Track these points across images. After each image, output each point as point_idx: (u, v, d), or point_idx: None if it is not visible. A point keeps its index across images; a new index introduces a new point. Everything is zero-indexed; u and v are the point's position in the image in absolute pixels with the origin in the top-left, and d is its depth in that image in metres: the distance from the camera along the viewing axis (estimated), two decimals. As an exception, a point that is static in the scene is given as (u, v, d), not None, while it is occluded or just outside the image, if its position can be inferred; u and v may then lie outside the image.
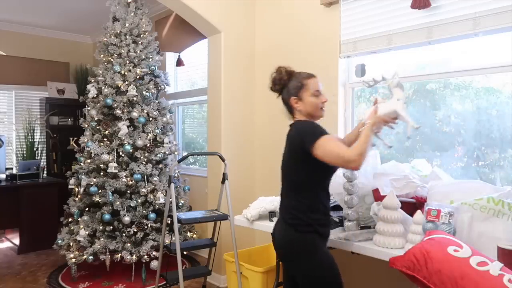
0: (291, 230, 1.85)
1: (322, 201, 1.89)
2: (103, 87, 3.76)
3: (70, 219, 3.84)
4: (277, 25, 3.57)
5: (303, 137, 1.82)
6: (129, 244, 3.53)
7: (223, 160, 2.99)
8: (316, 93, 1.94)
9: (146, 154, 3.76)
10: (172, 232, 3.11)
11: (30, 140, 5.50)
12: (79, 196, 3.75)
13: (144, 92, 3.86)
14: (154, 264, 3.62)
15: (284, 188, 1.96)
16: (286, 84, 1.97)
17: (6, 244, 4.94)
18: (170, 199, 2.78)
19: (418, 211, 1.95)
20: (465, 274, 1.46)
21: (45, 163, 5.74)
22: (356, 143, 1.77)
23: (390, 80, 1.88)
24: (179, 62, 4.66)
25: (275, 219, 2.51)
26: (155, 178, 3.75)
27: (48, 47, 6.18)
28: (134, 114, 3.73)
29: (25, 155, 5.47)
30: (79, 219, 3.65)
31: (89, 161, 3.71)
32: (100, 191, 3.59)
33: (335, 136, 1.90)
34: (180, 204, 3.93)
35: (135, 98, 3.77)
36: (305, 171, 1.85)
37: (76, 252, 3.55)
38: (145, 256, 3.52)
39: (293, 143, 1.88)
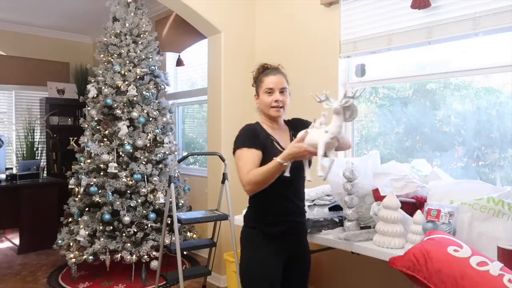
0: (244, 222, 1.95)
1: (264, 199, 1.83)
2: (103, 87, 3.76)
3: (70, 219, 3.84)
4: (277, 25, 3.57)
5: (234, 142, 1.84)
6: (129, 244, 3.53)
7: (223, 160, 2.99)
8: (268, 90, 1.84)
9: (146, 154, 3.76)
10: (172, 232, 3.11)
11: (30, 140, 5.50)
12: (79, 196, 3.75)
13: (144, 92, 3.86)
14: (154, 264, 3.62)
15: None
16: (256, 80, 1.96)
17: (6, 244, 4.94)
18: (170, 199, 2.78)
19: (418, 211, 1.95)
20: (465, 274, 1.46)
21: (45, 163, 5.74)
22: (258, 169, 1.68)
23: (331, 104, 1.56)
24: (179, 62, 4.66)
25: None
26: (155, 178, 3.75)
27: (48, 47, 6.18)
28: (134, 114, 3.73)
29: (25, 155, 5.47)
30: (79, 219, 3.66)
31: (89, 161, 3.71)
32: (100, 191, 3.60)
33: (255, 152, 1.75)
34: (180, 204, 3.93)
35: (135, 98, 3.77)
36: None
37: (76, 252, 3.55)
38: (145, 256, 3.52)
39: None
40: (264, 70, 1.95)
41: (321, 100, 1.63)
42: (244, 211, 2.59)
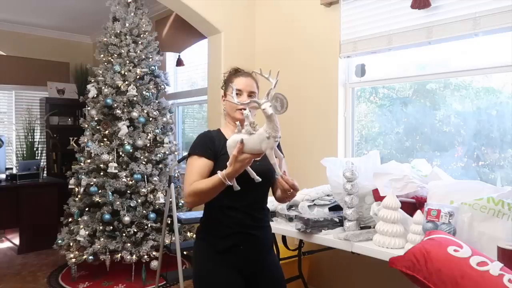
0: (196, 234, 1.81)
1: (215, 209, 1.69)
2: (103, 87, 3.76)
3: (70, 219, 3.84)
4: (277, 25, 3.57)
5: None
6: (129, 244, 3.53)
7: (223, 160, 2.98)
8: (236, 91, 1.69)
9: (146, 154, 3.76)
10: (172, 232, 3.11)
11: (30, 140, 5.50)
12: (79, 196, 3.75)
13: (144, 92, 3.86)
14: (154, 264, 3.62)
15: None
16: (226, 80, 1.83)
17: (6, 244, 4.94)
18: (170, 199, 2.78)
19: (418, 211, 1.95)
20: (465, 274, 1.46)
21: (45, 163, 5.74)
22: (200, 182, 1.55)
23: (261, 105, 1.38)
24: (179, 62, 4.66)
25: (275, 219, 2.52)
26: (155, 178, 3.75)
27: (48, 47, 6.18)
28: (134, 114, 3.73)
29: (25, 155, 5.46)
30: (79, 219, 3.65)
31: (89, 161, 3.71)
32: (100, 191, 3.59)
33: (205, 162, 1.64)
34: (180, 204, 3.93)
35: (135, 98, 3.77)
36: None
37: (76, 252, 3.55)
38: (145, 256, 3.52)
39: None
40: (236, 72, 1.82)
41: (245, 104, 1.51)
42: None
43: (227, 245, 1.67)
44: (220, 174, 1.47)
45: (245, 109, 1.47)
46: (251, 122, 1.42)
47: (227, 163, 1.46)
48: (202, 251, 1.72)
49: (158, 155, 3.83)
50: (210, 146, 1.66)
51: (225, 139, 1.64)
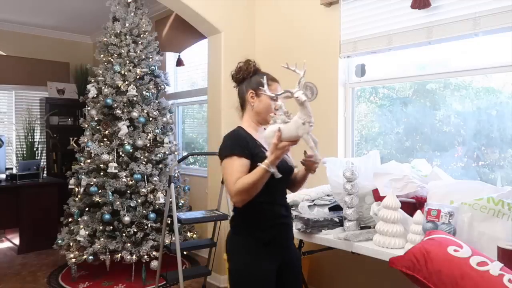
0: (230, 230, 1.85)
1: (253, 205, 1.71)
2: (103, 87, 3.76)
3: (70, 219, 3.84)
4: (277, 25, 3.57)
5: (220, 148, 1.76)
6: (129, 244, 3.53)
7: (223, 160, 2.98)
8: (275, 98, 1.72)
9: (146, 154, 3.76)
10: (172, 232, 3.11)
11: (30, 140, 5.50)
12: (79, 196, 3.75)
13: (144, 92, 3.86)
14: (154, 264, 3.62)
15: None
16: (249, 76, 1.88)
17: (6, 244, 4.94)
18: (170, 199, 2.78)
19: (418, 211, 1.95)
20: (465, 274, 1.46)
21: (45, 163, 5.74)
22: (244, 178, 1.60)
23: (294, 93, 1.52)
24: (179, 62, 4.66)
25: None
26: (155, 178, 3.75)
27: (48, 47, 6.18)
28: (134, 114, 3.73)
29: (25, 155, 5.47)
30: (79, 219, 3.66)
31: (89, 161, 3.72)
32: (100, 191, 3.60)
33: (244, 161, 1.68)
34: (180, 204, 3.93)
35: (135, 98, 3.77)
36: None
37: (76, 252, 3.55)
38: (145, 256, 3.52)
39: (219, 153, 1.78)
40: (259, 71, 1.92)
41: (279, 95, 1.61)
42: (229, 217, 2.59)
43: (270, 237, 1.76)
44: (263, 164, 1.55)
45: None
46: (285, 112, 1.55)
47: (267, 152, 1.57)
48: (242, 245, 1.78)
49: (158, 155, 3.83)
50: (246, 146, 1.72)
51: (253, 139, 1.76)
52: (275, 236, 1.79)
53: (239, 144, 1.71)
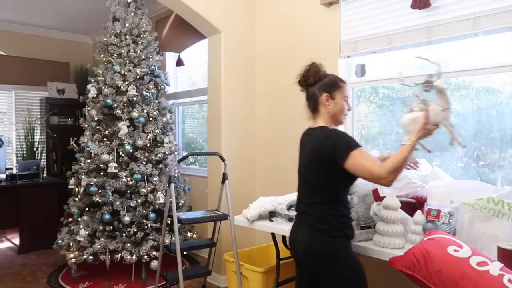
0: (319, 235, 1.77)
1: (345, 205, 1.85)
2: (103, 87, 3.76)
3: (70, 219, 3.84)
4: (277, 25, 3.57)
5: (336, 145, 1.74)
6: (129, 244, 3.53)
7: (223, 160, 2.99)
8: (346, 98, 1.91)
9: (146, 154, 3.76)
10: (172, 232, 3.11)
11: (30, 140, 5.50)
12: (79, 196, 3.75)
13: (144, 92, 3.86)
14: (154, 264, 3.62)
15: (306, 193, 1.88)
16: (321, 79, 1.90)
17: (6, 244, 4.94)
18: (170, 199, 2.77)
19: (418, 211, 1.95)
20: (465, 274, 1.46)
21: (45, 163, 5.74)
22: (391, 158, 1.68)
23: (435, 81, 1.72)
24: (179, 62, 4.66)
25: (275, 219, 2.52)
26: (155, 178, 3.75)
27: (48, 47, 6.18)
28: (134, 114, 3.73)
29: (25, 155, 5.47)
30: (79, 219, 3.66)
31: (89, 161, 3.72)
32: (100, 191, 3.60)
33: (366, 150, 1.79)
34: (180, 204, 3.93)
35: (135, 98, 3.77)
36: (331, 177, 1.78)
37: (76, 252, 3.55)
38: (145, 256, 3.52)
39: (322, 149, 1.78)
40: (326, 73, 1.95)
41: (421, 84, 1.76)
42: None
43: (352, 233, 1.86)
44: (409, 142, 1.69)
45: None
46: (422, 100, 1.72)
47: (413, 134, 1.71)
48: (348, 246, 1.82)
49: (158, 155, 3.83)
50: None
51: None
52: (353, 231, 1.89)
53: (351, 137, 1.81)
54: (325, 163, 1.77)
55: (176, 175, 4.02)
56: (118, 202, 3.56)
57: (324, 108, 1.88)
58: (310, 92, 1.92)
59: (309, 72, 1.92)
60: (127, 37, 3.84)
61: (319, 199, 1.81)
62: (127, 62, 3.82)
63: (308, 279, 1.93)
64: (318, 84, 1.90)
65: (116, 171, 3.60)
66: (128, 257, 3.47)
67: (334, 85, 1.88)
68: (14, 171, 5.00)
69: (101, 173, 3.66)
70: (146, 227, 3.62)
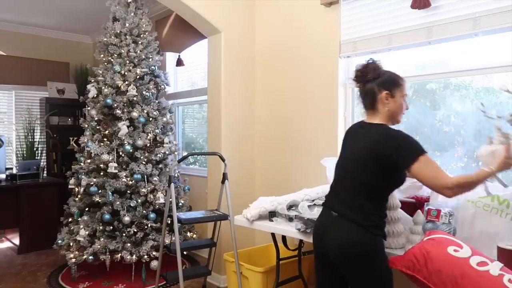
0: (362, 231, 1.73)
1: (386, 205, 1.83)
2: (103, 87, 3.76)
3: (70, 219, 3.84)
4: (277, 25, 3.57)
5: (402, 147, 1.70)
6: (129, 244, 3.53)
7: (223, 160, 2.99)
8: (405, 97, 1.87)
9: (146, 154, 3.76)
10: (172, 232, 3.11)
11: (30, 140, 5.50)
12: (79, 196, 3.75)
13: (144, 92, 3.86)
14: (154, 264, 3.62)
15: (351, 189, 1.80)
16: (380, 76, 1.84)
17: (6, 244, 4.94)
18: (170, 199, 2.77)
19: (418, 211, 1.95)
20: (465, 274, 1.46)
21: (45, 163, 5.74)
22: (464, 175, 1.67)
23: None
24: (179, 62, 4.66)
25: (275, 219, 2.51)
26: (155, 178, 3.75)
27: (48, 47, 6.18)
28: (134, 114, 3.73)
29: (25, 155, 5.46)
30: (79, 219, 3.65)
31: (89, 161, 3.72)
32: (100, 191, 3.59)
33: None
34: (180, 204, 3.93)
35: (135, 98, 3.77)
36: (385, 177, 1.75)
37: (76, 252, 3.55)
38: (145, 256, 3.52)
39: (383, 148, 1.72)
40: (392, 73, 1.89)
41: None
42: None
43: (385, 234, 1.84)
44: (489, 169, 1.65)
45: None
46: (504, 134, 1.70)
47: (495, 164, 1.65)
48: (383, 246, 1.80)
49: (158, 155, 3.83)
50: None
51: None
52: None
53: (419, 143, 1.74)
54: (383, 162, 1.71)
55: (176, 175, 4.02)
56: (118, 202, 3.56)
57: (383, 106, 1.82)
58: (368, 89, 1.85)
59: (368, 67, 1.85)
60: (127, 37, 3.84)
61: (366, 196, 1.75)
62: (127, 62, 3.82)
63: (333, 276, 1.87)
64: (377, 80, 1.83)
65: (116, 171, 3.60)
66: (128, 257, 3.47)
67: (394, 82, 1.83)
68: (14, 171, 5.00)
69: (101, 173, 3.66)
70: (146, 227, 3.62)
